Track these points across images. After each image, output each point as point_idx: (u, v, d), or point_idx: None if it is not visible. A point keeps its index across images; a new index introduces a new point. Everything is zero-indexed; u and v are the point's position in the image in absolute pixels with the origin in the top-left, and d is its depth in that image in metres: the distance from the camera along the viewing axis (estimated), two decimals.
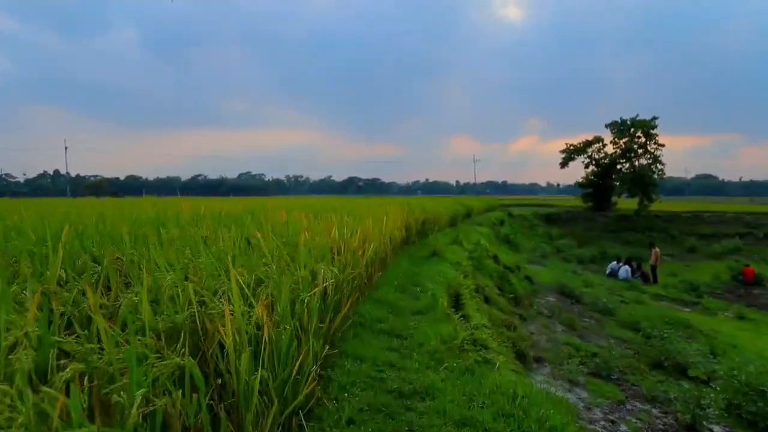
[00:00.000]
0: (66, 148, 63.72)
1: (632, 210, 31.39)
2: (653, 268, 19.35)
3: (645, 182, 29.19)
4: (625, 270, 18.76)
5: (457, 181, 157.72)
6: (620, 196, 33.12)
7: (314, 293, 2.41)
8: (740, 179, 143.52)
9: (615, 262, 19.73)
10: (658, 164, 30.00)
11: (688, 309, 14.88)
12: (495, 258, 9.84)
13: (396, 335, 3.40)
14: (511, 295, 7.72)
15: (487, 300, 6.66)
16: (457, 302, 4.72)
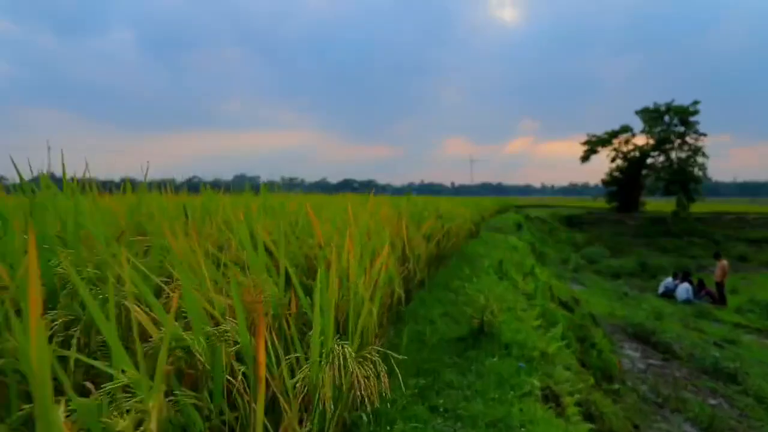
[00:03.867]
0: (49, 148, 61.34)
1: (665, 212, 27.99)
2: (719, 286, 15.73)
3: (685, 178, 25.61)
4: (685, 289, 15.17)
5: (452, 183, 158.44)
6: (653, 195, 29.62)
7: None
8: (734, 180, 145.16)
9: (670, 279, 16.15)
10: (698, 157, 26.43)
11: None
12: (549, 290, 6.23)
13: None
14: (615, 390, 4.12)
15: (589, 415, 3.08)
16: None
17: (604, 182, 30.95)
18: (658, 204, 33.77)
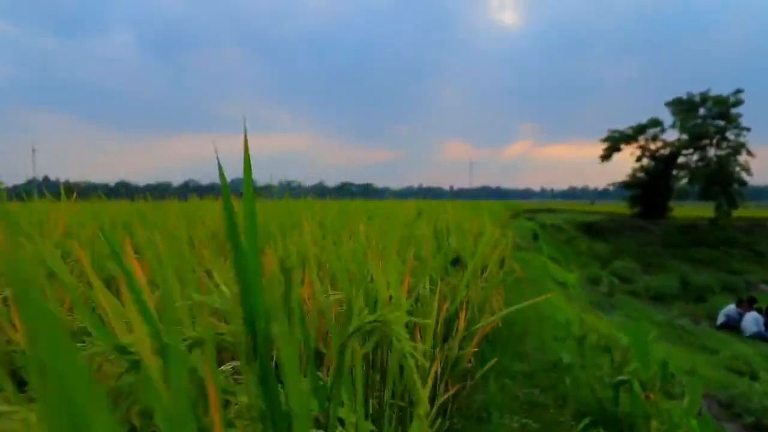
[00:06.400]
0: (34, 150, 59.28)
1: (695, 218, 25.10)
2: None
3: (727, 180, 22.57)
4: (753, 320, 12.07)
5: (451, 186, 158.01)
6: (684, 199, 26.57)
7: None
8: None
9: (732, 306, 13.04)
10: (740, 155, 23.34)
11: None
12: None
13: None
14: None
15: None
16: None
17: (626, 184, 27.93)
18: (683, 209, 30.79)
